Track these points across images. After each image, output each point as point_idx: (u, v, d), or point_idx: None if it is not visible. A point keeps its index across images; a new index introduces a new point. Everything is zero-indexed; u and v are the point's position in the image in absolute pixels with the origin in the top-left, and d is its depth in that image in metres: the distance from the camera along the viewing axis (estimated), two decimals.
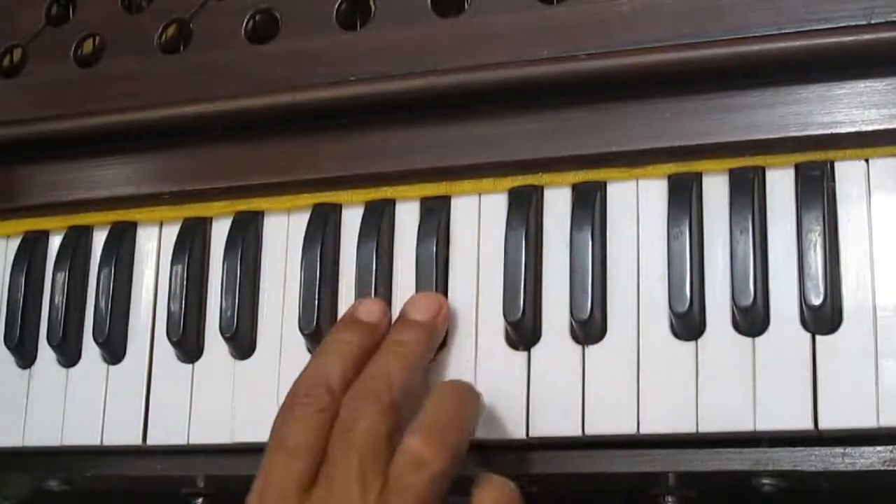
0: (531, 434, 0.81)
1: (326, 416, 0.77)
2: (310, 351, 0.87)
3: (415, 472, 0.73)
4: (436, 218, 0.86)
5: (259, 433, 0.79)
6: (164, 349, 0.92)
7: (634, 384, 0.79)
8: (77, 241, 0.96)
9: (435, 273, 0.85)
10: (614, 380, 0.80)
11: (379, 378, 0.78)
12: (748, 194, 0.79)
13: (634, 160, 0.82)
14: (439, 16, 0.88)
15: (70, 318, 0.94)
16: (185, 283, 0.91)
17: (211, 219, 0.94)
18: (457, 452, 0.76)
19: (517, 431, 0.81)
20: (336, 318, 0.87)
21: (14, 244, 0.98)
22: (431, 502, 0.74)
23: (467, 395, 0.80)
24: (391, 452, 0.75)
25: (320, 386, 0.78)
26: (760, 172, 0.80)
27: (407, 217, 0.87)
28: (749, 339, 0.77)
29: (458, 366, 0.83)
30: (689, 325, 0.78)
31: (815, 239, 0.76)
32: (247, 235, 0.91)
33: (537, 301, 0.82)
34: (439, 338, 0.84)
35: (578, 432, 0.80)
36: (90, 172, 0.96)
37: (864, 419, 0.74)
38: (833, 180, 0.78)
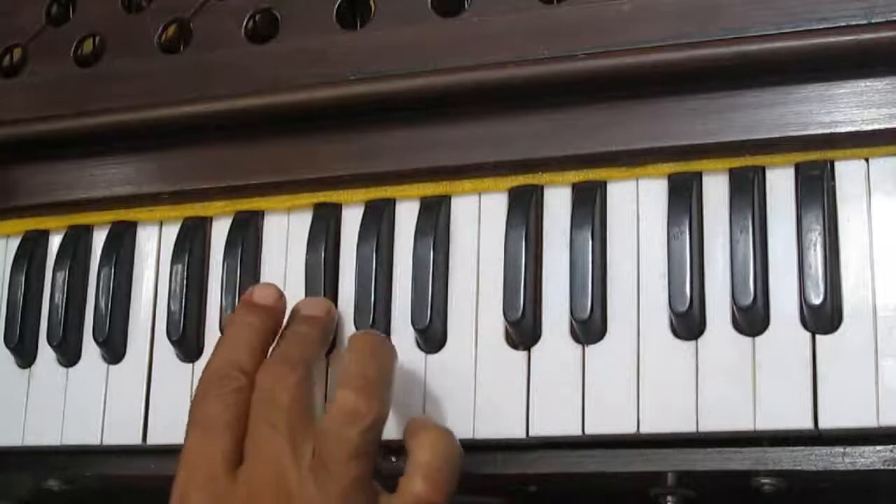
0: (531, 434, 0.81)
1: (243, 396, 0.79)
2: None
3: (350, 424, 0.75)
4: (436, 217, 0.86)
5: None
6: (164, 349, 0.92)
7: (634, 384, 0.79)
8: (77, 240, 0.96)
9: (434, 273, 0.85)
10: (614, 379, 0.80)
11: (289, 355, 0.81)
12: (748, 194, 0.79)
13: (634, 160, 0.82)
14: (439, 15, 0.88)
15: (70, 318, 0.94)
16: (185, 282, 0.91)
17: (211, 219, 0.94)
18: (386, 402, 0.77)
19: (517, 431, 0.81)
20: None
21: (14, 244, 0.98)
22: (367, 452, 0.75)
23: (383, 345, 0.81)
24: (313, 416, 0.77)
25: (233, 367, 0.80)
26: (760, 172, 0.80)
27: (407, 217, 0.87)
28: (749, 339, 0.77)
29: (458, 366, 0.83)
30: (689, 324, 0.78)
31: (815, 238, 0.76)
32: (247, 235, 0.91)
33: (537, 301, 0.82)
34: (331, 334, 0.86)
35: (578, 432, 0.80)
36: (90, 172, 0.96)
37: (864, 418, 0.74)
38: (833, 180, 0.78)
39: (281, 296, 0.86)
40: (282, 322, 0.85)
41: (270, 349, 0.83)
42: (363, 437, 0.75)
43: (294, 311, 0.85)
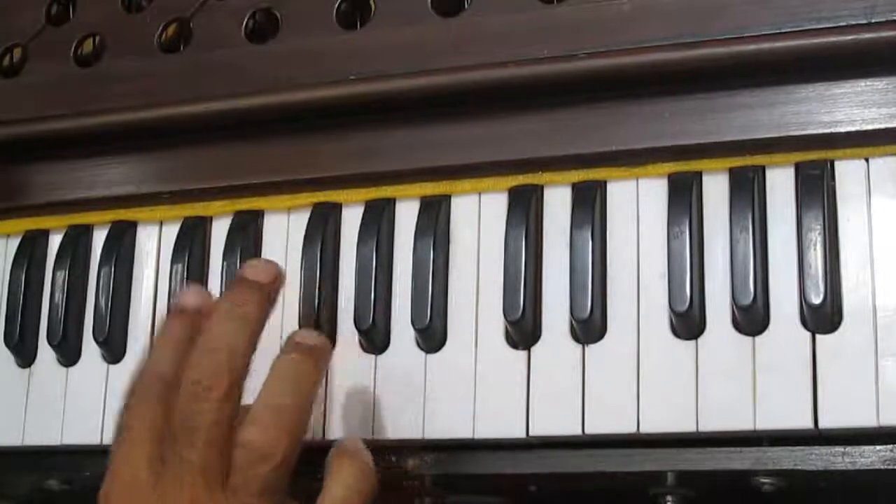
0: (531, 433, 0.81)
1: (163, 406, 0.77)
2: None
3: (257, 464, 0.75)
4: (436, 217, 0.86)
5: None
6: None
7: (634, 383, 0.79)
8: (77, 240, 0.96)
9: (434, 273, 0.85)
10: (614, 379, 0.80)
11: (219, 350, 0.77)
12: (748, 193, 0.79)
13: (634, 159, 0.82)
14: (439, 15, 0.88)
15: (70, 318, 0.94)
16: (185, 282, 0.91)
17: (211, 218, 0.94)
18: (296, 433, 0.77)
19: (517, 431, 0.81)
20: (336, 317, 0.87)
21: (14, 244, 0.98)
22: (277, 487, 0.75)
23: (302, 367, 0.79)
24: (233, 435, 0.76)
25: (155, 378, 0.78)
26: (760, 172, 0.80)
27: (407, 216, 0.87)
28: (749, 339, 0.77)
29: (458, 365, 0.83)
30: (689, 324, 0.78)
31: (815, 238, 0.76)
32: (247, 235, 0.91)
33: (537, 300, 0.83)
34: (274, 303, 0.82)
35: (578, 431, 0.80)
36: (90, 172, 0.96)
37: (864, 418, 0.74)
38: (833, 179, 0.78)
39: (209, 297, 0.83)
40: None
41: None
42: (272, 474, 0.75)
43: (238, 275, 0.82)
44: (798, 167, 0.79)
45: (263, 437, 0.75)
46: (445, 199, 0.87)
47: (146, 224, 0.96)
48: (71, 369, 0.94)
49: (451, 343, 0.84)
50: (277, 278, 0.82)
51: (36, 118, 0.96)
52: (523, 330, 0.82)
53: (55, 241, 0.97)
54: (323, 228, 0.89)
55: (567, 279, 0.81)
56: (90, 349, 0.94)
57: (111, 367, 0.93)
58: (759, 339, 0.77)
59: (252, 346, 0.79)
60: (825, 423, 0.75)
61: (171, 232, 0.94)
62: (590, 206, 0.82)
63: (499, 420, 0.81)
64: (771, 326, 0.77)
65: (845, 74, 0.78)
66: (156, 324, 0.93)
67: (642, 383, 0.79)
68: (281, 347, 0.81)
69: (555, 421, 0.80)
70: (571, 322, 0.81)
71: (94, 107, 0.95)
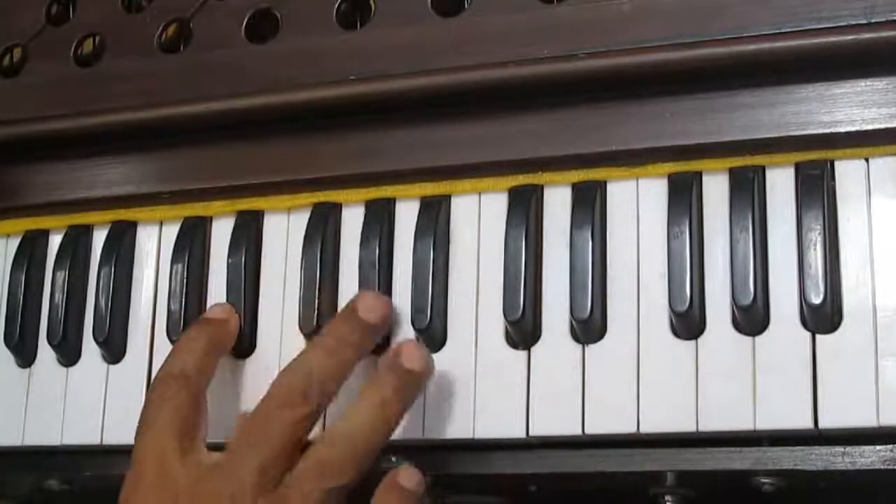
0: (531, 433, 0.81)
1: (193, 399, 0.81)
2: None
3: (318, 480, 0.76)
4: (436, 217, 0.86)
5: None
6: (164, 348, 0.91)
7: (634, 383, 0.79)
8: (77, 240, 0.96)
9: (434, 273, 0.85)
10: (614, 379, 0.80)
11: (305, 374, 0.80)
12: (748, 193, 0.79)
13: (634, 159, 0.82)
14: (439, 15, 0.88)
15: (70, 318, 0.94)
16: (185, 282, 0.91)
17: (211, 218, 0.94)
18: (363, 468, 0.77)
19: (517, 431, 0.81)
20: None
21: (14, 244, 0.98)
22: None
23: (389, 409, 0.79)
24: (299, 451, 0.77)
25: (177, 374, 0.83)
26: (760, 172, 0.80)
27: (407, 216, 0.87)
28: (749, 339, 0.77)
29: (458, 365, 0.83)
30: (689, 324, 0.78)
31: (815, 238, 0.76)
32: (247, 235, 0.91)
33: (537, 300, 0.82)
34: (374, 342, 0.84)
35: (578, 432, 0.80)
36: (90, 172, 0.96)
37: (864, 418, 0.74)
38: (833, 179, 0.78)
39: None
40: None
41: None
42: (327, 497, 0.76)
43: (351, 308, 0.83)
44: (798, 167, 0.79)
45: (340, 461, 0.77)
46: (445, 199, 0.87)
47: (146, 224, 0.96)
48: (71, 369, 0.94)
49: (451, 343, 0.84)
50: (388, 317, 0.84)
51: (36, 118, 0.96)
52: (523, 330, 0.82)
53: (55, 241, 0.97)
54: (323, 228, 0.89)
55: (567, 279, 0.81)
56: (90, 349, 0.94)
57: (111, 367, 0.93)
58: (759, 339, 0.77)
59: (346, 376, 0.81)
60: (825, 423, 0.75)
61: (171, 232, 0.94)
62: (590, 206, 0.82)
63: (499, 420, 0.81)
64: (771, 326, 0.77)
65: (845, 74, 0.78)
66: (156, 324, 0.93)
67: (642, 383, 0.79)
68: (382, 361, 0.82)
69: (555, 421, 0.80)
70: (571, 322, 0.81)
71: (94, 107, 0.95)
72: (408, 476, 0.79)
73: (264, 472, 0.76)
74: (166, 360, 0.85)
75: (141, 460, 0.80)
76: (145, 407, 0.82)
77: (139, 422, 0.82)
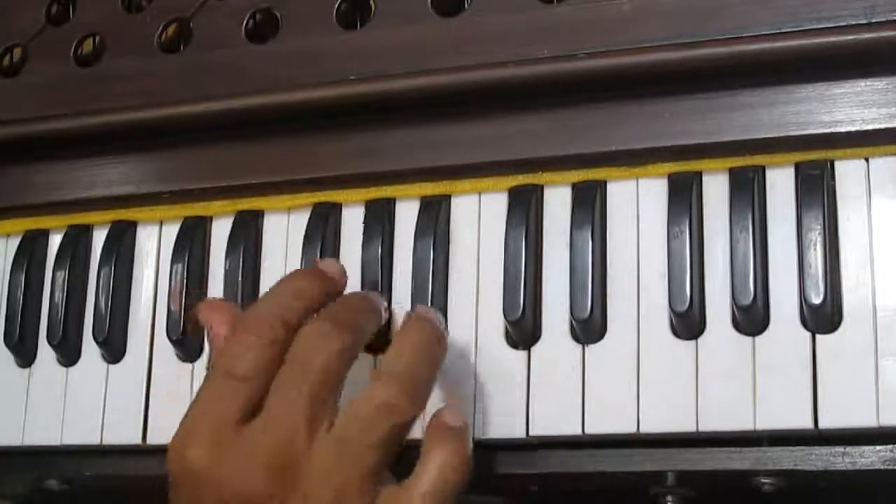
0: (531, 433, 0.81)
1: (279, 350, 0.75)
2: None
3: (385, 415, 0.72)
4: (436, 217, 0.86)
5: None
6: (164, 348, 0.92)
7: (634, 383, 0.79)
8: (77, 240, 0.96)
9: (434, 272, 0.85)
10: (614, 379, 0.80)
11: (340, 318, 0.76)
12: (748, 193, 0.79)
13: (634, 159, 0.82)
14: (439, 15, 0.88)
15: (70, 318, 0.94)
16: (185, 282, 0.91)
17: (211, 218, 0.94)
18: (423, 404, 0.75)
19: (517, 431, 0.81)
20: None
21: (14, 244, 0.98)
22: (392, 447, 0.73)
23: (439, 340, 0.78)
24: (341, 392, 0.74)
25: (276, 319, 0.76)
26: (760, 172, 0.80)
27: (407, 216, 0.87)
28: (749, 339, 0.77)
29: (458, 365, 0.83)
30: (689, 324, 0.78)
31: (815, 238, 0.76)
32: (247, 235, 0.91)
33: (537, 300, 0.83)
34: (379, 324, 0.82)
35: (578, 431, 0.80)
36: (90, 172, 0.96)
37: (864, 418, 0.74)
38: (833, 179, 0.78)
39: (345, 273, 0.82)
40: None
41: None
42: (393, 431, 0.72)
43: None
44: (798, 167, 0.79)
45: (398, 391, 0.73)
46: (445, 199, 0.87)
47: (146, 224, 0.96)
48: (71, 369, 0.94)
49: (450, 343, 0.84)
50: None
51: (36, 118, 0.96)
52: (523, 330, 0.82)
53: (55, 241, 0.97)
54: (323, 228, 0.89)
55: (567, 279, 0.81)
56: (90, 349, 0.94)
57: (111, 367, 0.93)
58: (759, 339, 0.77)
59: (373, 328, 0.79)
60: (825, 423, 0.74)
61: (171, 232, 0.94)
62: (590, 206, 0.82)
63: (499, 420, 0.81)
64: (771, 326, 0.77)
65: (845, 74, 0.78)
66: (156, 324, 0.93)
67: (642, 383, 0.79)
68: (406, 319, 0.79)
69: (555, 421, 0.80)
70: (571, 322, 0.81)
71: (94, 107, 0.95)
72: (453, 415, 0.76)
73: (314, 407, 0.72)
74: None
75: None
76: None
77: None
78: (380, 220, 0.87)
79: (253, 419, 0.74)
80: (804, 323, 0.76)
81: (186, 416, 0.75)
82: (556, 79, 0.83)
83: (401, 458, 0.75)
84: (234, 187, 0.92)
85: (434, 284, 0.84)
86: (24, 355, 0.96)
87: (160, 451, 0.89)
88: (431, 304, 0.84)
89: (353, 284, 0.87)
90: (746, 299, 0.76)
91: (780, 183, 0.79)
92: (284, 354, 0.75)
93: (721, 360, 0.77)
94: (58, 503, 0.98)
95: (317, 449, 0.72)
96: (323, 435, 0.72)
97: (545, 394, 0.81)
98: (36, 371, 0.96)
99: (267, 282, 0.90)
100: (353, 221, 0.89)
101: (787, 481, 0.77)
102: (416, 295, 0.84)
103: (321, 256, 0.88)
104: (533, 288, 0.82)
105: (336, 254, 0.89)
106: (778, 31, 0.79)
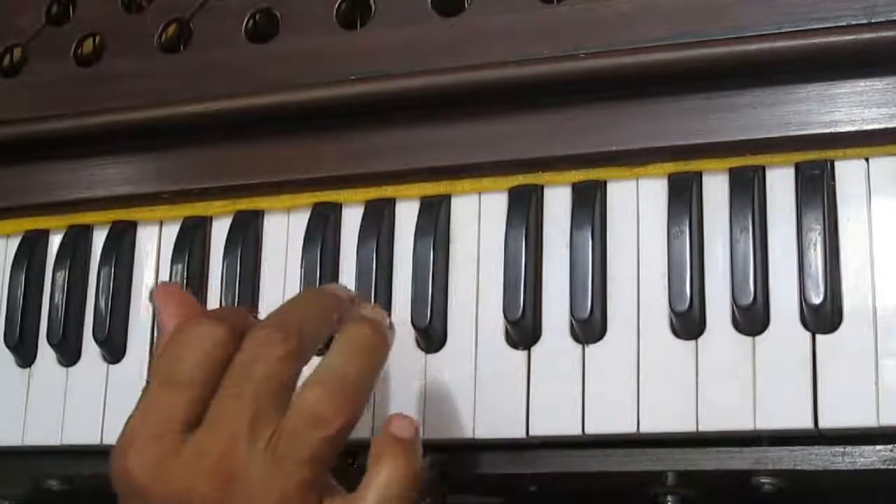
0: (531, 433, 0.81)
1: (224, 353, 0.71)
2: None
3: (313, 428, 0.69)
4: (436, 217, 0.86)
5: None
6: None
7: (634, 383, 0.79)
8: (77, 240, 0.96)
9: (434, 272, 0.85)
10: (614, 379, 0.80)
11: (286, 321, 0.72)
12: (748, 193, 0.79)
13: (634, 159, 0.82)
14: (439, 15, 0.88)
15: (70, 318, 0.94)
16: (185, 282, 0.91)
17: (211, 218, 0.94)
18: (358, 407, 0.71)
19: (517, 431, 0.81)
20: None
21: (14, 244, 0.98)
22: (325, 459, 0.70)
23: (376, 345, 0.73)
24: (288, 399, 0.70)
25: (223, 325, 0.71)
26: (760, 171, 0.80)
27: (407, 216, 0.87)
28: (749, 339, 0.77)
29: (458, 365, 0.83)
30: (689, 324, 0.78)
31: (815, 238, 0.76)
32: (247, 235, 0.91)
33: (537, 300, 0.83)
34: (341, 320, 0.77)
35: (578, 431, 0.80)
36: (90, 172, 0.96)
37: (864, 418, 0.74)
38: (833, 179, 0.78)
39: None
40: None
41: None
42: (325, 443, 0.69)
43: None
44: (798, 167, 0.79)
45: (326, 402, 0.69)
46: (445, 199, 0.87)
47: (146, 224, 0.96)
48: (71, 369, 0.94)
49: (451, 343, 0.84)
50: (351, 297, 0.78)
51: (36, 118, 0.96)
52: (523, 330, 0.82)
53: (55, 241, 0.97)
54: (323, 228, 0.89)
55: (567, 279, 0.81)
56: (90, 349, 0.94)
57: (111, 367, 0.93)
58: (759, 339, 0.77)
59: (324, 332, 0.74)
60: (825, 423, 0.75)
61: (171, 232, 0.94)
62: (590, 206, 0.82)
63: (499, 420, 0.81)
64: (771, 326, 0.77)
65: (845, 74, 0.78)
66: (156, 324, 0.93)
67: (642, 383, 0.79)
68: (349, 320, 0.75)
69: (555, 421, 0.80)
70: (571, 322, 0.81)
71: (94, 107, 0.95)
72: (401, 425, 0.71)
73: (256, 416, 0.69)
74: None
75: None
76: None
77: None
78: (380, 220, 0.87)
79: (197, 427, 0.70)
80: (804, 323, 0.76)
81: (128, 423, 0.72)
82: (556, 79, 0.83)
83: (355, 459, 0.73)
84: (234, 187, 0.92)
85: (434, 284, 0.84)
86: (24, 355, 0.96)
87: None
88: (431, 304, 0.84)
89: (353, 285, 0.87)
90: (746, 299, 0.76)
91: (780, 183, 0.79)
92: (229, 356, 0.71)
93: (721, 360, 0.77)
94: (58, 503, 0.98)
95: (254, 462, 0.69)
96: (261, 448, 0.69)
97: (545, 394, 0.81)
98: (36, 371, 0.96)
99: (267, 282, 0.90)
100: (353, 221, 0.89)
101: (787, 481, 0.77)
102: (416, 295, 0.84)
103: (321, 256, 0.88)
104: (533, 288, 0.82)
105: (336, 254, 0.89)
106: (778, 31, 0.79)
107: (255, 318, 0.75)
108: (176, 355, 0.71)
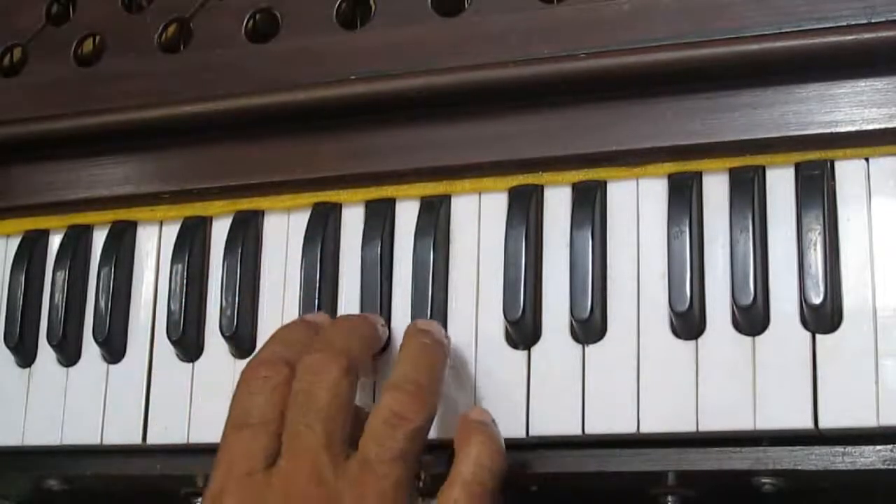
0: (531, 433, 0.81)
1: (286, 390, 0.77)
2: None
3: (397, 427, 0.75)
4: (436, 217, 0.86)
5: None
6: (164, 348, 0.92)
7: (634, 383, 0.79)
8: (77, 240, 0.96)
9: (434, 273, 0.85)
10: (614, 379, 0.80)
11: (333, 342, 0.79)
12: (748, 193, 0.79)
13: (635, 159, 0.82)
14: (439, 15, 0.88)
15: (70, 318, 0.94)
16: (184, 282, 0.91)
17: (211, 218, 0.94)
18: (433, 408, 0.77)
19: (517, 431, 0.81)
20: (336, 317, 0.87)
21: (14, 244, 0.98)
22: (411, 456, 0.75)
23: (437, 347, 0.81)
24: (352, 413, 0.76)
25: (278, 363, 0.78)
26: (760, 172, 0.80)
27: (407, 216, 0.87)
28: (749, 339, 0.77)
29: (459, 365, 0.83)
30: (689, 324, 0.78)
31: (815, 238, 0.76)
32: (247, 235, 0.91)
33: (537, 300, 0.83)
34: (381, 341, 0.84)
35: (578, 431, 0.80)
36: (90, 172, 0.96)
37: (864, 418, 0.74)
38: (833, 179, 0.78)
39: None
40: None
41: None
42: (409, 440, 0.75)
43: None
44: (798, 167, 0.79)
45: (404, 402, 0.75)
46: (445, 199, 0.87)
47: (146, 224, 0.96)
48: (71, 369, 0.94)
49: (450, 343, 0.84)
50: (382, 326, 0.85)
51: (36, 118, 0.96)
52: (523, 330, 0.82)
53: (55, 241, 0.97)
54: (323, 228, 0.89)
55: (567, 279, 0.81)
56: (90, 349, 0.94)
57: (111, 367, 0.93)
58: (759, 339, 0.77)
59: (370, 347, 0.82)
60: (825, 423, 0.75)
61: (171, 232, 0.94)
62: (590, 206, 0.82)
63: (499, 420, 0.81)
64: (771, 326, 0.77)
65: (845, 74, 0.78)
66: (156, 324, 0.93)
67: (642, 383, 0.79)
68: (405, 334, 0.82)
69: (555, 421, 0.80)
70: (571, 322, 0.81)
71: (94, 107, 0.95)
72: (478, 412, 0.79)
73: (331, 437, 0.75)
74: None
75: None
76: None
77: None
78: (380, 220, 0.87)
79: (277, 462, 0.76)
80: (804, 323, 0.76)
81: (213, 472, 0.77)
82: (555, 79, 0.83)
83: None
84: (234, 187, 0.92)
85: (434, 285, 0.84)
86: (24, 355, 0.96)
87: (160, 451, 0.90)
88: (431, 303, 0.84)
89: (353, 284, 0.87)
90: (746, 299, 0.76)
91: (780, 183, 0.79)
92: (290, 390, 0.77)
93: (721, 360, 0.77)
94: (58, 503, 0.98)
95: (344, 476, 0.74)
96: (346, 461, 0.75)
97: (545, 394, 0.81)
98: (36, 371, 0.95)
99: (267, 282, 0.90)
100: (353, 221, 0.89)
101: (787, 481, 0.77)
102: (416, 295, 0.84)
103: (321, 256, 0.88)
104: (533, 288, 0.82)
105: (336, 254, 0.89)
106: (778, 31, 0.79)
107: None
108: (244, 404, 0.78)
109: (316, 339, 0.80)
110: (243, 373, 0.79)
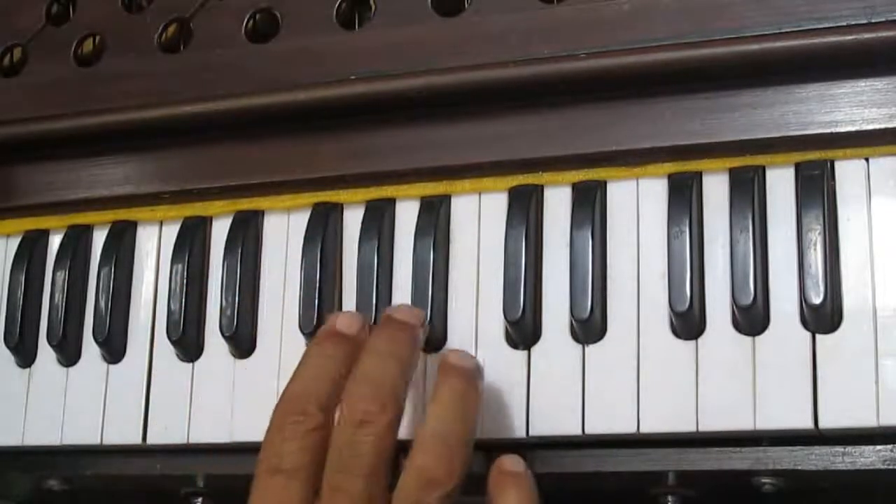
0: (531, 433, 0.81)
1: (320, 435, 0.76)
2: None
3: (429, 490, 0.74)
4: (436, 217, 0.86)
5: (259, 433, 0.79)
6: (164, 348, 0.92)
7: (634, 383, 0.79)
8: (77, 240, 0.96)
9: (434, 273, 0.85)
10: (614, 379, 0.80)
11: (381, 386, 0.76)
12: (748, 193, 0.79)
13: (635, 159, 0.82)
14: (439, 15, 0.88)
15: (70, 318, 0.94)
16: (184, 282, 0.91)
17: (211, 218, 0.94)
18: (466, 461, 0.76)
19: (517, 431, 0.81)
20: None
21: (14, 244, 0.98)
22: None
23: (470, 391, 0.79)
24: (393, 460, 0.75)
25: (310, 403, 0.76)
26: (760, 172, 0.80)
27: (407, 216, 0.87)
28: (749, 339, 0.77)
29: None
30: (689, 324, 0.78)
31: (815, 238, 0.76)
32: (247, 235, 0.91)
33: (537, 300, 0.83)
34: (421, 345, 0.82)
35: (578, 431, 0.80)
36: (90, 172, 0.96)
37: (864, 418, 0.74)
38: (833, 179, 0.78)
39: (365, 326, 0.81)
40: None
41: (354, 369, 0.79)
42: (442, 501, 0.74)
43: (384, 317, 0.82)
44: (798, 167, 0.79)
45: (437, 464, 0.74)
46: (445, 199, 0.87)
47: (146, 224, 0.96)
48: (71, 369, 0.94)
49: (450, 343, 0.84)
50: (424, 322, 0.82)
51: (36, 118, 0.96)
52: (523, 330, 0.82)
53: (55, 241, 0.97)
54: (323, 228, 0.89)
55: (567, 279, 0.81)
56: (90, 349, 0.94)
57: (111, 367, 0.93)
58: (759, 339, 0.77)
59: (407, 383, 0.78)
60: (825, 423, 0.75)
61: (171, 232, 0.94)
62: (590, 206, 0.82)
63: (499, 420, 0.81)
64: (771, 326, 0.77)
65: (845, 74, 0.78)
66: (156, 324, 0.93)
67: (642, 383, 0.79)
68: (439, 370, 0.80)
69: (555, 421, 0.80)
70: (571, 322, 0.81)
71: (94, 107, 0.95)
72: (513, 461, 0.78)
73: (371, 490, 0.73)
74: None
75: None
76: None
77: None
78: (380, 221, 0.87)
79: (316, 500, 0.75)
80: (804, 323, 0.76)
81: None
82: (555, 79, 0.83)
83: None
84: (234, 187, 0.92)
85: (434, 285, 0.84)
86: (24, 355, 0.96)
87: (160, 450, 0.90)
88: (431, 304, 0.84)
89: (354, 284, 0.87)
90: (746, 299, 0.76)
91: (780, 183, 0.79)
92: (326, 434, 0.76)
93: (721, 360, 0.77)
94: (58, 503, 0.98)
95: None
96: None
97: (545, 394, 0.81)
98: (36, 371, 0.95)
99: (267, 282, 0.90)
100: (353, 221, 0.89)
101: (787, 481, 0.77)
102: (416, 295, 0.84)
103: (321, 256, 0.88)
104: (533, 288, 0.82)
105: (336, 254, 0.89)
106: (778, 31, 0.79)
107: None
108: (276, 448, 0.76)
109: (355, 372, 0.77)
110: (275, 410, 0.77)
